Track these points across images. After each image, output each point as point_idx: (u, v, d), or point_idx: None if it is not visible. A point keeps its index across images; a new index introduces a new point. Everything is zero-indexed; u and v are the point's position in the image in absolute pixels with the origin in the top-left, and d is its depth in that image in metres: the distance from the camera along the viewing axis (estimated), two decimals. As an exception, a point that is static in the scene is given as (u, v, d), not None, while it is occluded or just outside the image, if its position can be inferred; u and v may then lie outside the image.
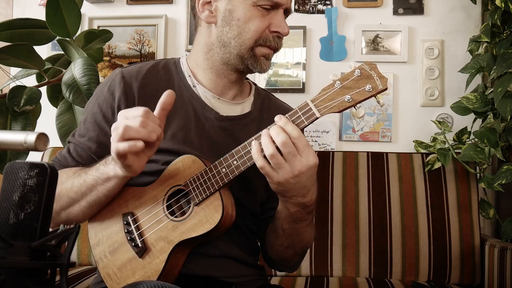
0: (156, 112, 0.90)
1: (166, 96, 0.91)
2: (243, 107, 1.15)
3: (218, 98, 1.11)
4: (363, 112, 0.91)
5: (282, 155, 0.88)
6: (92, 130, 1.08)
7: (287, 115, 0.92)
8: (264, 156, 0.90)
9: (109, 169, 0.94)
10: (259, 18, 1.04)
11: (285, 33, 1.06)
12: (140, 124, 0.84)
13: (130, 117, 0.86)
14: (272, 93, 1.28)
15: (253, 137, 0.94)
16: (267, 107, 1.19)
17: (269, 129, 0.91)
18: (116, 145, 0.84)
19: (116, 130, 0.85)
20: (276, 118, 0.91)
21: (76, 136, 1.10)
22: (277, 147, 0.88)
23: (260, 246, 1.20)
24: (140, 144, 0.83)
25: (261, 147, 0.90)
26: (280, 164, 0.88)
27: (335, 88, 0.91)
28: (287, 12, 1.09)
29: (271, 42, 1.06)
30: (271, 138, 0.88)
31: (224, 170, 0.95)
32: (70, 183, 1.00)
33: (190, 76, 1.12)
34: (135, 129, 0.84)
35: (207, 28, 1.09)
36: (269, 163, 0.90)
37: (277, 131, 0.88)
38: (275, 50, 1.08)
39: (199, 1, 1.08)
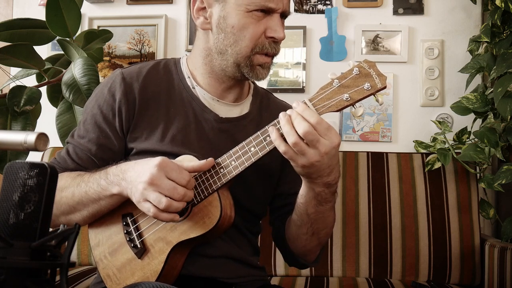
0: (191, 168, 0.93)
1: (208, 163, 0.95)
2: (242, 108, 1.14)
3: (218, 100, 1.10)
4: (362, 111, 0.89)
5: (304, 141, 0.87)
6: (92, 131, 1.07)
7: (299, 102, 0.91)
8: (285, 140, 0.88)
9: (112, 187, 0.95)
10: (254, 25, 1.01)
11: (280, 38, 1.03)
12: (180, 197, 0.89)
13: (170, 186, 0.89)
14: (272, 93, 1.28)
15: (251, 138, 0.93)
16: (266, 107, 1.19)
17: (279, 117, 0.89)
18: (158, 214, 0.90)
19: (158, 200, 0.88)
20: (294, 104, 0.89)
21: (76, 137, 1.10)
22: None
23: (280, 249, 1.18)
24: (177, 218, 0.92)
25: (281, 132, 0.88)
26: (303, 151, 0.86)
27: (333, 86, 0.89)
28: (284, 15, 1.06)
29: (267, 48, 1.03)
30: (293, 126, 0.86)
31: (222, 170, 0.95)
32: (71, 193, 1.00)
33: (189, 77, 1.12)
34: (175, 206, 0.89)
35: (204, 33, 1.08)
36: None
37: (298, 121, 0.86)
38: (273, 56, 1.06)
39: (193, 7, 1.06)
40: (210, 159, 0.94)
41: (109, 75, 1.11)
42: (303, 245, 1.09)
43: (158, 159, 0.90)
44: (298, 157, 0.88)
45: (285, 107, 1.23)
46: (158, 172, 0.88)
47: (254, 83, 1.22)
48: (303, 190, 0.99)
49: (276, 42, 1.05)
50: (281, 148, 0.88)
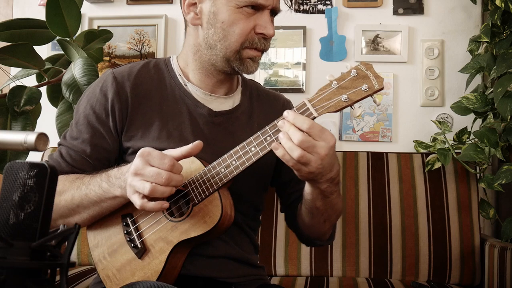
0: (178, 153, 0.91)
1: (195, 146, 0.91)
2: (234, 100, 1.15)
3: (210, 95, 1.11)
4: (360, 112, 0.92)
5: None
6: (85, 132, 1.07)
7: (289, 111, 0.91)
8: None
9: (115, 189, 0.95)
10: (243, 21, 1.02)
11: (269, 34, 1.04)
12: (164, 181, 0.87)
13: (153, 172, 0.87)
14: (259, 83, 1.28)
15: (251, 138, 0.94)
16: (256, 96, 1.20)
17: (278, 125, 0.90)
18: (145, 204, 0.89)
19: (142, 186, 0.87)
20: (285, 113, 0.90)
21: (68, 138, 1.09)
22: None
23: (294, 232, 1.20)
24: (166, 205, 0.90)
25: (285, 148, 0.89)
26: (308, 159, 0.88)
27: (332, 88, 0.91)
28: (275, 12, 1.07)
29: (257, 44, 1.04)
30: (291, 140, 0.88)
31: (223, 170, 0.95)
32: (70, 196, 1.00)
33: (180, 75, 1.12)
34: (161, 191, 0.88)
35: (194, 29, 1.09)
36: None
37: (292, 132, 0.87)
38: (263, 51, 1.07)
39: (184, 2, 1.07)
40: (198, 141, 0.92)
41: (100, 76, 1.11)
42: (317, 231, 1.11)
43: (140, 150, 0.90)
44: (303, 167, 0.89)
45: (275, 96, 1.25)
46: (140, 161, 0.89)
47: (241, 75, 1.22)
48: (308, 189, 1.00)
49: (265, 38, 1.06)
50: (290, 163, 0.89)
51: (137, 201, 0.89)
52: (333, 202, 1.02)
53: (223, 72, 1.09)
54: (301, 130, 0.87)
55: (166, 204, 0.90)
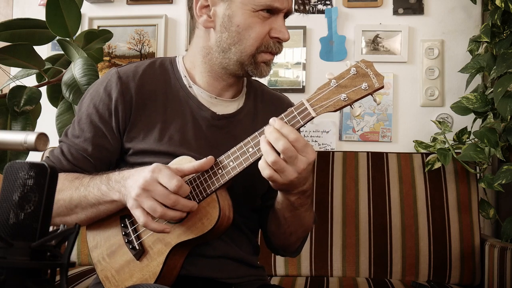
0: (191, 168, 0.92)
1: (208, 161, 0.93)
2: (239, 103, 1.14)
3: (216, 98, 1.10)
4: (359, 111, 0.89)
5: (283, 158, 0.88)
6: (88, 131, 1.06)
7: (282, 115, 0.91)
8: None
9: (113, 193, 0.95)
10: (259, 25, 1.01)
11: (285, 39, 1.04)
12: (171, 204, 0.89)
13: (162, 192, 0.88)
14: (265, 84, 1.27)
15: (248, 138, 0.93)
16: (260, 97, 1.19)
17: (264, 131, 0.90)
18: (149, 223, 0.90)
19: (152, 208, 0.88)
20: (271, 120, 0.89)
21: (70, 136, 1.08)
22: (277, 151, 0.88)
23: (262, 234, 1.20)
24: (168, 230, 0.92)
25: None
26: (283, 168, 0.87)
27: (330, 87, 0.89)
28: (288, 14, 1.07)
29: (272, 48, 1.03)
30: (271, 144, 0.87)
31: (220, 171, 0.94)
32: (69, 196, 0.99)
33: (186, 76, 1.11)
34: (170, 216, 0.90)
35: (205, 31, 1.07)
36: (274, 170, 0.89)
37: (276, 137, 0.86)
38: (276, 54, 1.07)
39: (196, 4, 1.05)
40: (210, 157, 0.94)
41: (104, 74, 1.10)
42: (282, 242, 1.13)
43: (153, 165, 0.91)
44: (279, 177, 0.89)
45: (279, 98, 1.24)
46: (150, 177, 0.89)
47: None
48: (279, 198, 1.01)
49: (280, 42, 1.05)
50: (265, 172, 0.89)
51: (140, 217, 0.90)
52: (301, 216, 1.03)
53: (233, 75, 1.08)
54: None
55: (168, 229, 0.91)
